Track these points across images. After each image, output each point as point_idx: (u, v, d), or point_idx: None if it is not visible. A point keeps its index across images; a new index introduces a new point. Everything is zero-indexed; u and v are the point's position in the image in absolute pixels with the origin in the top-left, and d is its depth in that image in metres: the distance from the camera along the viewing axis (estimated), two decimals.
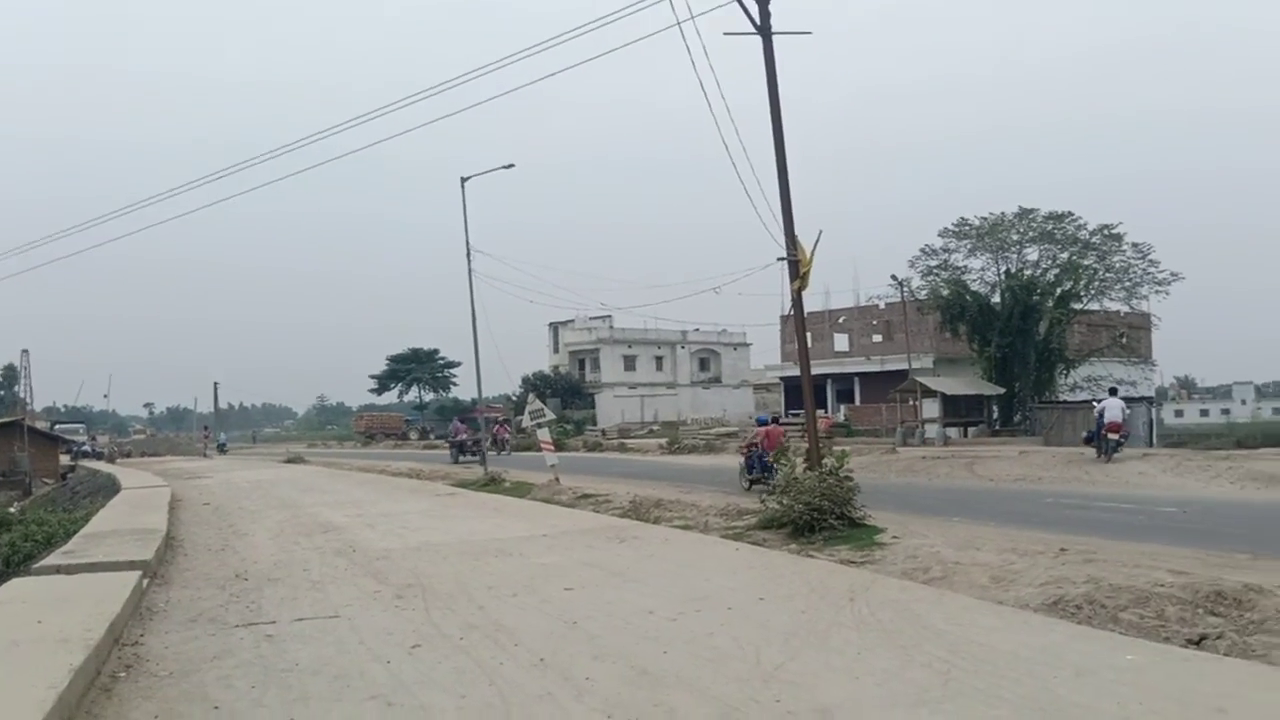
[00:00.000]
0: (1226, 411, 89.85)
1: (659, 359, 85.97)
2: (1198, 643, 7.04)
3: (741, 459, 22.48)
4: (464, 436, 43.04)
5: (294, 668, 6.54)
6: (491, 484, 24.26)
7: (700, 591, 8.73)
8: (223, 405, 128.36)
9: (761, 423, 24.00)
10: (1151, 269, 44.10)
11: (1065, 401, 43.54)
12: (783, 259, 17.66)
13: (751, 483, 20.89)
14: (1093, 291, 45.13)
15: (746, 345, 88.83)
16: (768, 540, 12.82)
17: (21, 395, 73.57)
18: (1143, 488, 20.74)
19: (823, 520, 12.96)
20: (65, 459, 59.34)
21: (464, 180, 30.64)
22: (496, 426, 49.00)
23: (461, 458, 40.79)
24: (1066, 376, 45.95)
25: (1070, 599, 8.36)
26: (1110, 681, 5.59)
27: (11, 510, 38.25)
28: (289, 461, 43.57)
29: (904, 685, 5.64)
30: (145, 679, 6.37)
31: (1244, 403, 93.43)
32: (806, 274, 17.49)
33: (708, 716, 5.20)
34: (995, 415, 44.71)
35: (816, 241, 17.38)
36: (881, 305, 58.78)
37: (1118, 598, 8.22)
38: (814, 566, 10.34)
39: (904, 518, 15.00)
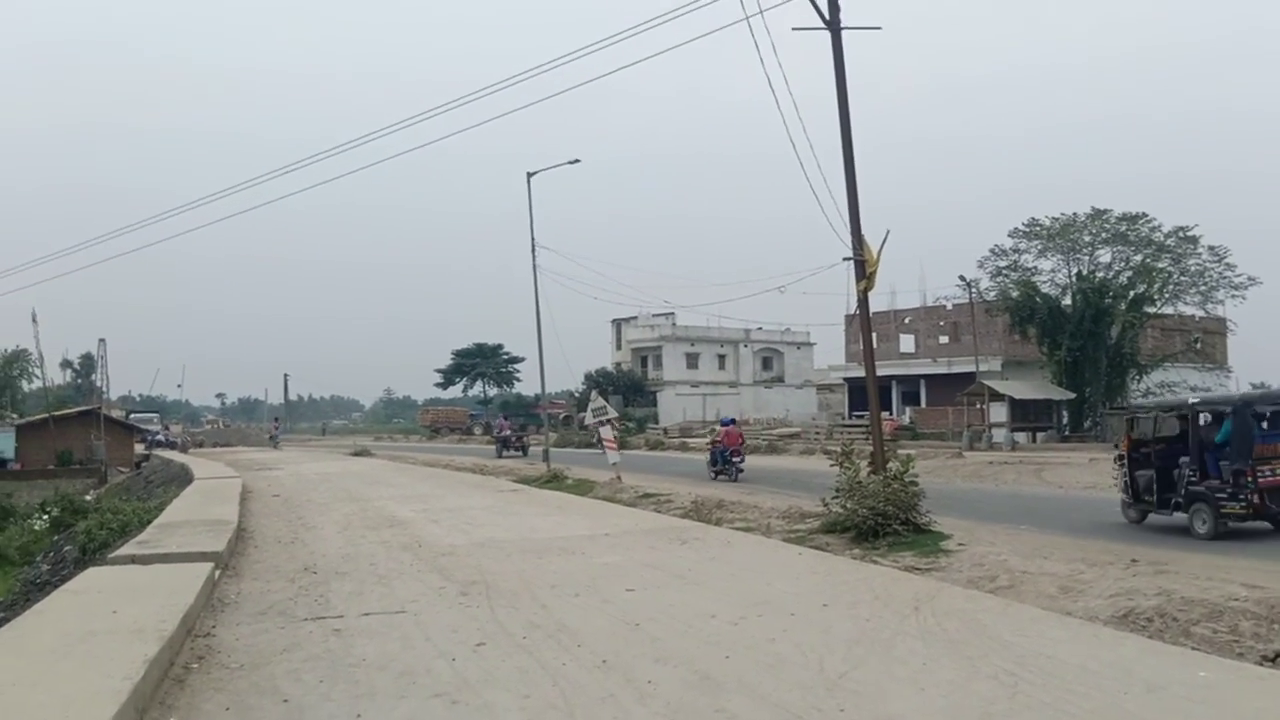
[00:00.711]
0: None
1: (721, 357, 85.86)
2: (1274, 659, 6.88)
3: (708, 453, 26.75)
4: (508, 432, 46.38)
5: (361, 663, 6.64)
6: (554, 481, 24.39)
7: (762, 596, 8.70)
8: (292, 397, 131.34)
9: (724, 424, 28.65)
10: (1228, 272, 43.15)
11: (1137, 406, 42.66)
12: (849, 259, 17.52)
13: (716, 474, 25.72)
14: (1167, 295, 44.34)
15: (810, 345, 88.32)
16: (830, 545, 12.74)
17: (98, 384, 75.41)
18: None
19: (887, 525, 12.82)
20: (140, 448, 60.86)
21: (530, 175, 30.90)
22: (499, 422, 50.98)
23: (505, 452, 43.22)
24: (1139, 382, 45.15)
25: (1141, 611, 8.21)
26: (1181, 698, 5.47)
27: (88, 498, 39.49)
28: (355, 454, 44.20)
29: (969, 697, 5.56)
30: (217, 670, 6.51)
31: None
32: (873, 275, 17.33)
33: None
34: (1065, 420, 44.07)
35: (884, 242, 17.24)
36: (949, 306, 58.12)
37: (1190, 611, 8.06)
38: (878, 573, 10.25)
39: (970, 524, 14.82)
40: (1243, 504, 13.73)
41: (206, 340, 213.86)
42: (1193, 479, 14.48)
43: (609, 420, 26.51)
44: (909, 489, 13.48)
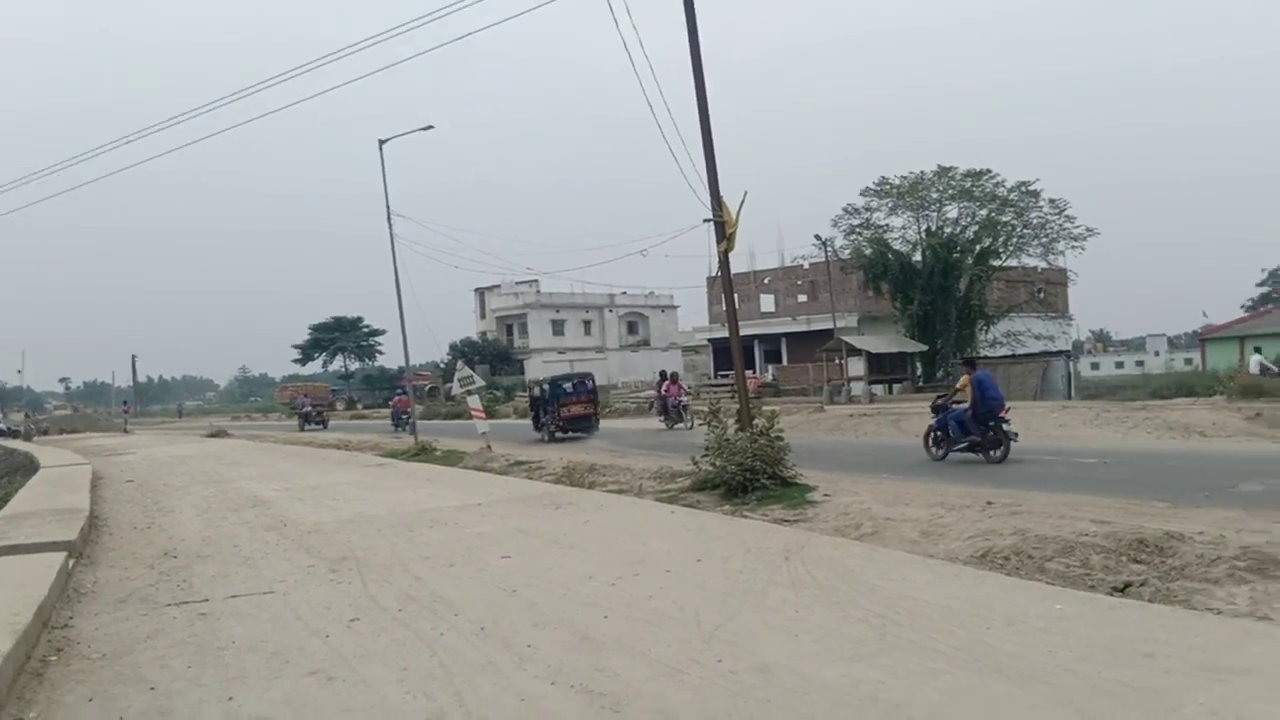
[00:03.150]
0: (1140, 363, 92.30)
1: (587, 323, 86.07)
2: (1123, 590, 7.26)
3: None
4: (309, 408, 50.41)
5: (230, 645, 6.46)
6: (422, 453, 24.07)
7: (638, 555, 8.79)
8: (141, 379, 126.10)
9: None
10: (1068, 224, 45.11)
11: (986, 357, 44.47)
12: (709, 220, 17.65)
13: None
14: (1011, 248, 46.14)
15: (674, 308, 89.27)
16: (701, 502, 12.94)
17: None
18: (1063, 439, 21.32)
19: (755, 480, 13.08)
20: None
21: (382, 143, 30.12)
22: (301, 399, 52.96)
23: (307, 426, 47.19)
24: (987, 332, 47.05)
25: (998, 551, 8.57)
26: (1040, 630, 5.75)
27: None
28: (212, 435, 42.79)
29: (841, 641, 5.74)
30: (77, 662, 6.25)
31: (1157, 354, 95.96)
32: (732, 235, 17.49)
33: (650, 678, 5.25)
34: (919, 372, 45.56)
35: (742, 203, 17.40)
36: (806, 266, 59.30)
37: (1044, 548, 8.44)
38: (748, 527, 10.47)
39: (834, 476, 15.22)
40: None
41: (47, 321, 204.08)
42: None
43: (476, 390, 26.31)
44: (775, 444, 13.74)
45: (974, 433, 17.65)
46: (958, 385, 18.57)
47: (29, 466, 26.98)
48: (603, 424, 31.32)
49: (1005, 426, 17.44)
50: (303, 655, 6.12)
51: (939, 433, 18.60)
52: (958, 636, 5.66)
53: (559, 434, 28.68)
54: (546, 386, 30.15)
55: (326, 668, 5.80)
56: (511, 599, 7.36)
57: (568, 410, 28.36)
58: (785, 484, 13.36)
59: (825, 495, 12.60)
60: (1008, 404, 18.10)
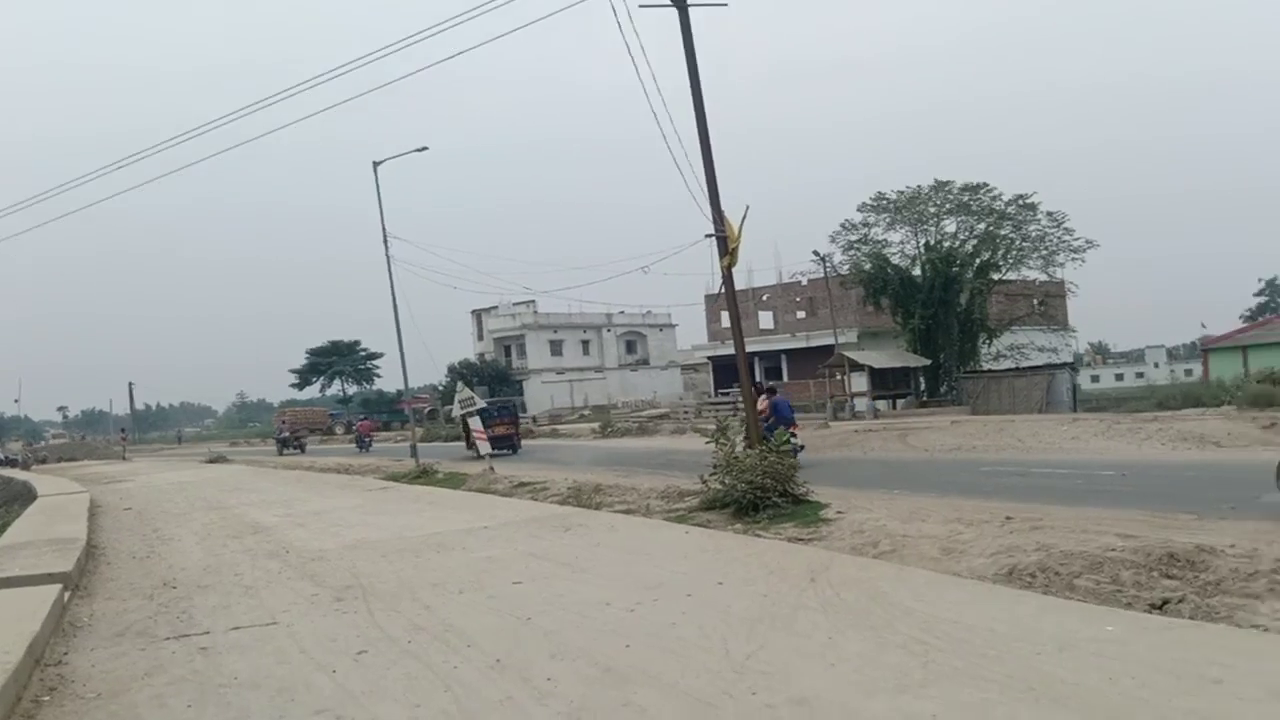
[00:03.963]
0: (1141, 375, 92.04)
1: (585, 343, 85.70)
2: (1160, 607, 6.93)
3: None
4: (286, 433, 53.66)
5: (232, 682, 6.13)
6: (424, 476, 23.75)
7: (655, 579, 8.45)
8: (139, 406, 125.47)
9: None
10: (1067, 237, 44.84)
11: (990, 370, 44.21)
12: (711, 235, 17.40)
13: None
14: (1010, 261, 45.84)
15: (672, 326, 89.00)
16: (711, 521, 12.60)
17: None
18: (1077, 452, 20.98)
19: (766, 498, 12.75)
20: None
21: (376, 165, 29.94)
22: (278, 424, 58.81)
23: (285, 450, 50.24)
24: (989, 345, 46.71)
25: (1023, 568, 8.24)
26: (1094, 655, 5.40)
27: None
28: (211, 461, 42.42)
29: (882, 670, 5.40)
30: (71, 702, 5.92)
31: (1157, 365, 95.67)
32: (735, 250, 17.25)
33: (681, 714, 4.91)
34: (922, 387, 45.24)
35: (744, 217, 17.17)
36: (804, 282, 59.05)
37: (1071, 564, 8.11)
38: (768, 547, 10.12)
39: (845, 492, 14.90)
40: None
41: (43, 351, 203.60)
42: None
43: (477, 411, 25.99)
44: (785, 461, 13.45)
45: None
46: (760, 408, 19.52)
47: (27, 495, 26.61)
48: (601, 444, 31.04)
49: (794, 440, 18.27)
50: (309, 692, 5.79)
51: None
52: (1007, 663, 5.31)
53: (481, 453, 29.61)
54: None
55: (334, 706, 5.47)
56: (526, 628, 7.02)
57: (493, 430, 30.78)
58: (797, 501, 13.04)
59: (839, 512, 12.26)
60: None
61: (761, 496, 12.79)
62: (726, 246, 17.12)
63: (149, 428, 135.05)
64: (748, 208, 17.18)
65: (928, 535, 10.21)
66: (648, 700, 5.16)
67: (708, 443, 14.44)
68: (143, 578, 10.62)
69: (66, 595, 9.06)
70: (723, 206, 17.01)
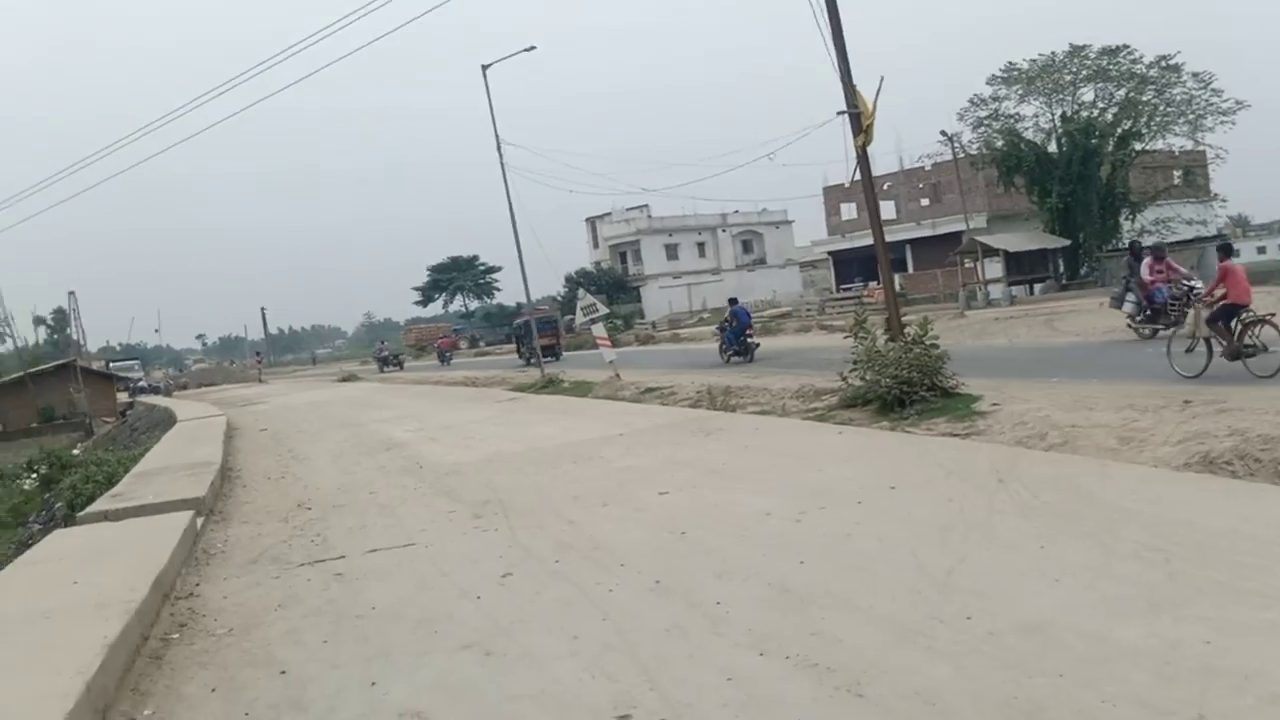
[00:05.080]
0: None
1: (701, 245, 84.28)
2: None
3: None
4: (386, 353, 55.66)
5: (370, 612, 5.62)
6: (550, 385, 23.36)
7: (816, 484, 7.67)
8: (272, 330, 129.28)
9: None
10: (1215, 98, 41.58)
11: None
12: (842, 113, 16.21)
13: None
14: (1154, 129, 42.81)
15: (789, 223, 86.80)
16: (855, 420, 11.77)
17: (74, 337, 73.71)
18: None
19: (913, 393, 11.79)
20: (123, 396, 59.60)
21: (485, 68, 28.97)
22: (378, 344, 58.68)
23: (386, 369, 51.55)
24: (1133, 222, 43.89)
25: (1218, 455, 7.27)
26: None
27: (75, 452, 38.31)
28: (343, 380, 43.05)
29: (1120, 585, 4.52)
30: (201, 639, 5.48)
31: None
32: (870, 127, 16.00)
33: (886, 646, 4.14)
34: (1061, 269, 42.98)
35: (878, 90, 15.89)
36: (928, 167, 56.38)
37: (1273, 449, 7.07)
38: (939, 445, 9.20)
39: (996, 382, 13.75)
40: None
41: (181, 281, 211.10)
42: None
43: (600, 318, 25.40)
44: (931, 353, 12.44)
45: (733, 344, 25.48)
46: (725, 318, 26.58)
47: (168, 421, 27.20)
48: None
49: (749, 339, 25.30)
50: (453, 623, 5.23)
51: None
52: (1275, 573, 4.39)
53: (533, 360, 31.66)
54: (522, 326, 38.70)
55: (482, 639, 4.89)
56: (681, 543, 6.35)
57: (540, 342, 33.07)
58: (946, 395, 12.02)
59: (994, 405, 11.20)
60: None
61: (908, 391, 11.84)
62: (860, 124, 15.93)
63: (283, 350, 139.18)
64: (882, 79, 15.94)
65: (1099, 424, 9.18)
66: (839, 628, 4.41)
67: (845, 337, 13.52)
68: (278, 499, 10.32)
69: (200, 521, 8.76)
70: (854, 80, 15.80)
